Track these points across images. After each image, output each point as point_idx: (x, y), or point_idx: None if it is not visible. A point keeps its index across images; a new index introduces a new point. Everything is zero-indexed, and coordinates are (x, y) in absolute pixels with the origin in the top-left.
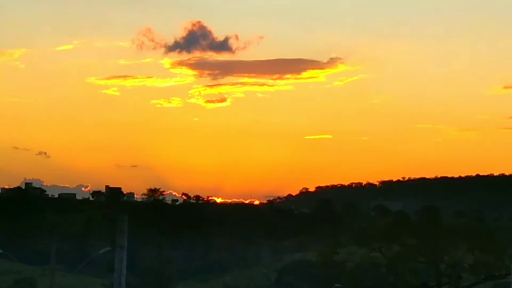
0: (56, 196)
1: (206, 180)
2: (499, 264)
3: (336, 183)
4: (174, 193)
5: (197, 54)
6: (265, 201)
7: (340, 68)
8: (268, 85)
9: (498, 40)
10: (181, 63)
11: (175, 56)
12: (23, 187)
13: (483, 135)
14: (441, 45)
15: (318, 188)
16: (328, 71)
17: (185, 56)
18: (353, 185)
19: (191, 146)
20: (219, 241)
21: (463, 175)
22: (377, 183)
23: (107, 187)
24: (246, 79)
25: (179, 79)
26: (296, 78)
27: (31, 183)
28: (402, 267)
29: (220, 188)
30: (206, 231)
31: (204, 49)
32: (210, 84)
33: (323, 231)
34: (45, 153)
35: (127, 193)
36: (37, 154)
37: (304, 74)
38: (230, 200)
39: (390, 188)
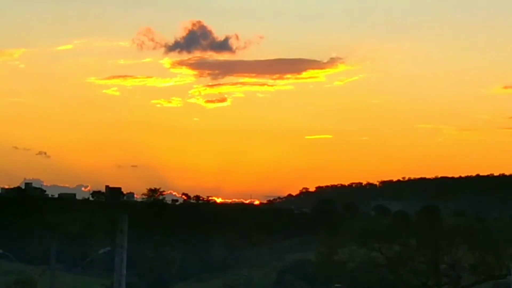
0: (56, 196)
1: (206, 180)
2: (499, 264)
3: (336, 183)
4: (174, 193)
5: (197, 54)
6: (265, 201)
7: (340, 68)
8: (268, 85)
9: (498, 40)
10: (181, 63)
11: (175, 56)
12: (23, 187)
13: (483, 135)
14: (441, 45)
15: (318, 188)
16: (328, 71)
17: (185, 56)
18: (353, 185)
19: (191, 146)
20: (219, 241)
21: (463, 175)
22: (377, 183)
23: (107, 187)
24: (246, 79)
25: (179, 79)
26: (296, 78)
27: (31, 183)
28: (402, 267)
29: (220, 188)
30: (206, 231)
31: (204, 49)
32: (210, 84)
33: (323, 231)
34: (45, 153)
35: (127, 193)
36: (37, 154)
37: (304, 74)
38: (230, 200)
39: (390, 188)
